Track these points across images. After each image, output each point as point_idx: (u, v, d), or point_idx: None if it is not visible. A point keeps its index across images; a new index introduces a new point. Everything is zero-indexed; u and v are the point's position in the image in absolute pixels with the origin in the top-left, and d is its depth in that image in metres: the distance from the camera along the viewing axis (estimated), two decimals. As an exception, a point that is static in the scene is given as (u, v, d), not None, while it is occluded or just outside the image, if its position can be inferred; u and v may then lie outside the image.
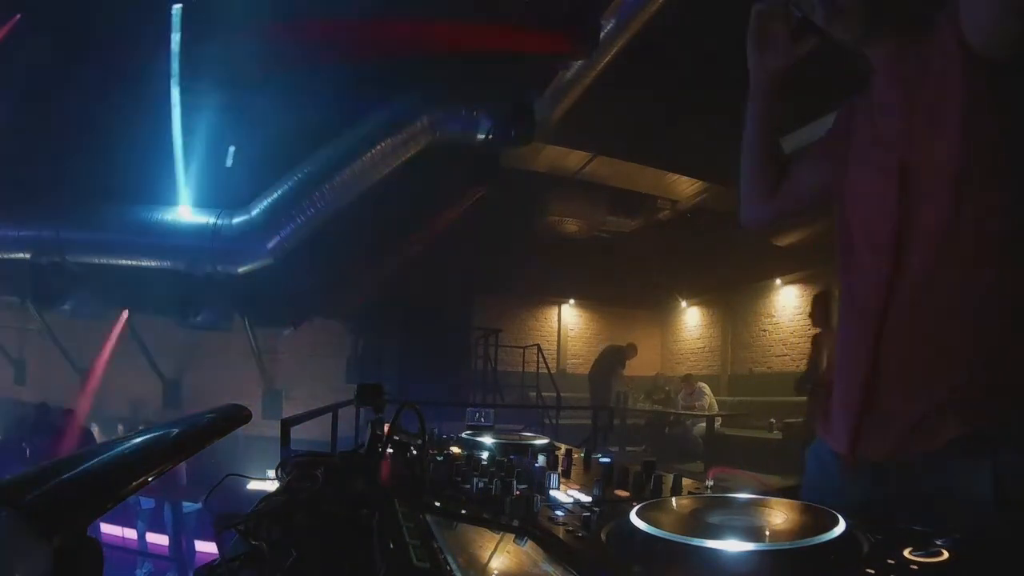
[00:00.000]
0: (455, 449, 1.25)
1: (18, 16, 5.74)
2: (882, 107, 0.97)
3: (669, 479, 0.89)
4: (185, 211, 6.67)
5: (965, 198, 0.84)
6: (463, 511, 0.75)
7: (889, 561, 0.49)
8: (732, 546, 0.50)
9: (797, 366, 8.10)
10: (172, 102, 5.95)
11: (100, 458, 0.51)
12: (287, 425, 2.06)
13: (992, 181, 0.84)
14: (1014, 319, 0.84)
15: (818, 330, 4.52)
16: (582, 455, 1.15)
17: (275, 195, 6.46)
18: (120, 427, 7.94)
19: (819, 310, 4.46)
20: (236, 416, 0.81)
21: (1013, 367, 0.83)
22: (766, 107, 1.12)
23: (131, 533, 6.84)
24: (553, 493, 0.85)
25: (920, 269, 0.87)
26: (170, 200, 6.62)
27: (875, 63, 0.98)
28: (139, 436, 0.61)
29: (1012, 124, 0.83)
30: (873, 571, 0.47)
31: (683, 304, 10.99)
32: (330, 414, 2.93)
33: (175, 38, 5.77)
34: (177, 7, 5.72)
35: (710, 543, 0.51)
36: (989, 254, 0.85)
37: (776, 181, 1.14)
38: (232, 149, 6.43)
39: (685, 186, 7.69)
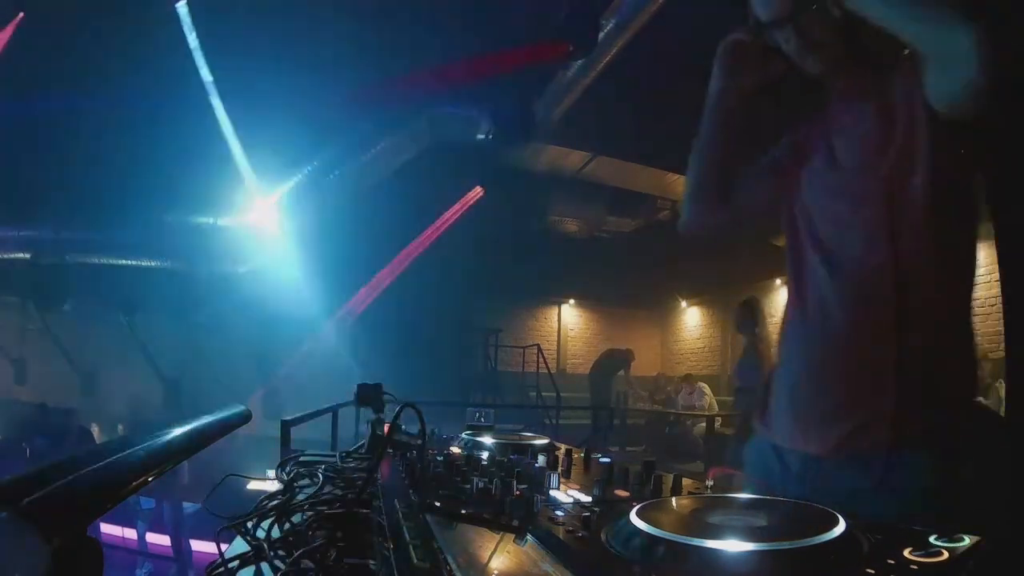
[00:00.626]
0: (455, 449, 1.25)
1: (21, 14, 5.73)
2: (843, 135, 1.04)
3: (669, 479, 0.89)
4: (185, 211, 6.66)
5: (914, 226, 0.94)
6: (463, 511, 0.74)
7: (889, 561, 0.49)
8: (732, 546, 0.50)
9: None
10: (212, 102, 5.87)
11: (100, 458, 0.51)
12: (287, 425, 2.06)
13: (934, 217, 0.93)
14: (946, 340, 0.94)
15: (746, 335, 4.87)
16: (582, 455, 1.15)
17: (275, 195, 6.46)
18: (120, 427, 7.94)
19: (748, 317, 4.79)
20: (236, 416, 0.82)
21: (942, 381, 0.93)
22: (724, 122, 1.21)
23: (131, 533, 6.84)
24: (553, 493, 0.85)
25: (870, 291, 0.96)
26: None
27: (837, 93, 1.06)
28: (139, 436, 0.61)
29: (962, 161, 0.93)
30: (873, 571, 0.47)
31: (683, 304, 10.99)
32: (330, 414, 2.93)
33: (191, 37, 5.71)
34: (182, 5, 5.68)
35: (710, 543, 0.51)
36: (932, 281, 0.94)
37: (724, 192, 1.21)
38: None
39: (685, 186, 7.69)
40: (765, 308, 9.19)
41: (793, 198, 1.10)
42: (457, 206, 7.69)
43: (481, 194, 7.35)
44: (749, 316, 4.75)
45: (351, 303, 8.29)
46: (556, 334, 11.13)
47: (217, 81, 5.83)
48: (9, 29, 5.65)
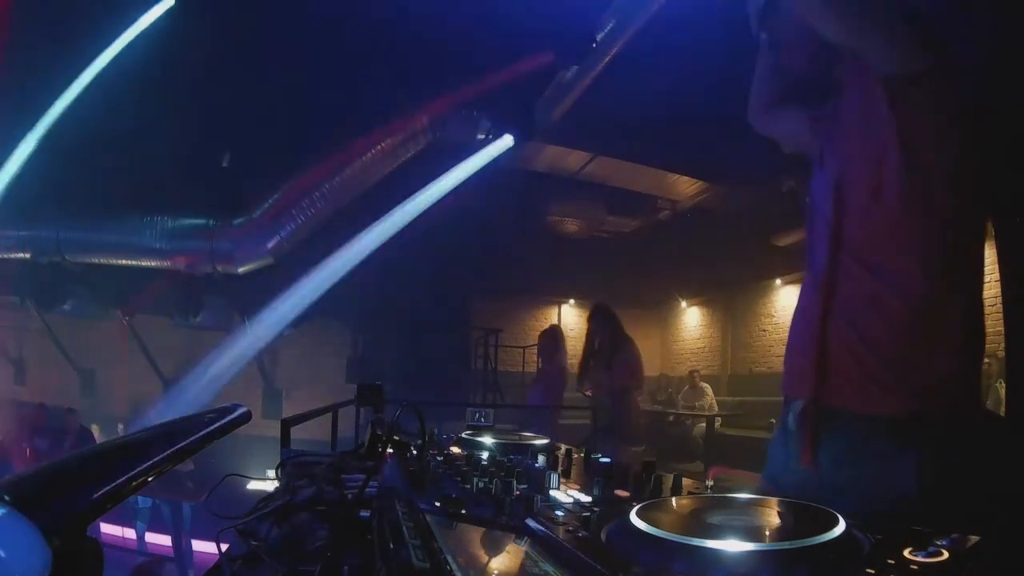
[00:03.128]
0: (455, 449, 1.25)
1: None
2: (836, 128, 1.13)
3: (669, 479, 0.89)
4: (185, 211, 6.65)
5: (889, 212, 1.00)
6: (463, 511, 0.74)
7: (889, 561, 0.49)
8: (732, 546, 0.50)
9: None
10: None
11: (100, 458, 0.51)
12: (287, 425, 2.06)
13: (914, 205, 0.99)
14: (931, 323, 1.00)
15: (543, 360, 5.28)
16: (582, 455, 1.15)
17: (275, 195, 6.46)
18: (120, 427, 7.93)
19: (550, 343, 5.22)
20: (236, 416, 0.81)
21: (927, 364, 0.99)
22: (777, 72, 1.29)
23: (131, 533, 6.85)
24: (553, 493, 0.85)
25: (853, 272, 1.04)
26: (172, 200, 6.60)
27: (844, 81, 1.13)
28: (139, 436, 0.61)
29: (924, 149, 0.99)
30: (873, 571, 0.47)
31: (683, 304, 10.99)
32: (330, 414, 2.92)
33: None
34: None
35: (710, 543, 0.51)
36: (909, 260, 1.00)
37: (774, 102, 1.33)
38: (227, 153, 6.41)
39: (685, 186, 7.68)
40: (764, 308, 9.24)
41: (812, 170, 1.19)
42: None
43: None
44: (551, 342, 5.19)
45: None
46: (556, 334, 11.12)
47: (213, 78, 5.80)
48: None
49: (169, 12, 5.71)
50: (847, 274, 1.05)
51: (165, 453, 0.60)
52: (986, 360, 1.09)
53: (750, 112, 1.38)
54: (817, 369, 1.06)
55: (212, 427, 0.73)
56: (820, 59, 1.12)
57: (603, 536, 0.60)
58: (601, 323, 4.85)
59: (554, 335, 5.22)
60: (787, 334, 1.22)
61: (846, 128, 1.08)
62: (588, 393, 5.02)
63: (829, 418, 1.05)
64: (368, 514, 0.88)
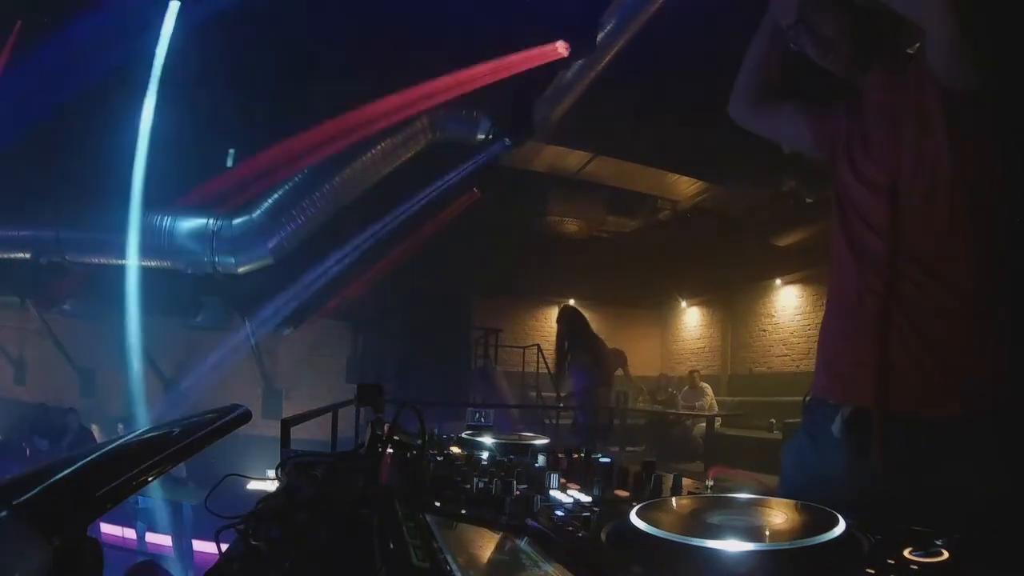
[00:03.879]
0: (455, 449, 1.25)
1: (20, 23, 5.75)
2: (872, 130, 1.11)
3: (669, 479, 0.89)
4: (185, 211, 6.66)
5: (944, 216, 1.00)
6: (463, 511, 0.75)
7: (889, 561, 0.49)
8: (732, 546, 0.50)
9: (797, 366, 8.08)
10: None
11: (100, 458, 0.51)
12: (287, 425, 2.05)
13: (963, 201, 0.99)
14: (985, 322, 0.99)
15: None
16: (582, 455, 1.15)
17: (275, 195, 6.46)
18: (120, 427, 7.94)
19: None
20: (236, 416, 0.82)
21: (983, 365, 0.98)
22: (772, 41, 1.26)
23: (131, 533, 6.85)
24: (553, 493, 0.85)
25: (904, 274, 1.02)
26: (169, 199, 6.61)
27: (865, 90, 1.13)
28: (139, 436, 0.61)
29: (976, 153, 0.98)
30: (873, 571, 0.47)
31: (683, 304, 10.99)
32: (330, 414, 2.92)
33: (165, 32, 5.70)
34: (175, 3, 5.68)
35: (710, 543, 0.51)
36: (966, 262, 0.99)
37: (763, 96, 1.30)
38: (232, 152, 6.41)
39: (685, 186, 7.69)
40: (764, 308, 9.23)
41: (838, 182, 1.17)
42: (453, 207, 7.64)
43: (477, 196, 7.32)
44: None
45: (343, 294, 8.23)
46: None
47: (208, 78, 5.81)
48: (10, 43, 5.66)
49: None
50: (905, 274, 1.03)
51: (165, 453, 0.60)
52: None
53: (740, 104, 1.34)
54: (880, 371, 1.02)
55: (212, 427, 0.74)
56: (861, 58, 1.10)
57: (603, 536, 0.60)
58: (563, 325, 4.95)
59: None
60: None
61: (893, 133, 1.07)
62: (562, 404, 5.03)
63: (879, 422, 1.02)
64: (368, 514, 0.88)
